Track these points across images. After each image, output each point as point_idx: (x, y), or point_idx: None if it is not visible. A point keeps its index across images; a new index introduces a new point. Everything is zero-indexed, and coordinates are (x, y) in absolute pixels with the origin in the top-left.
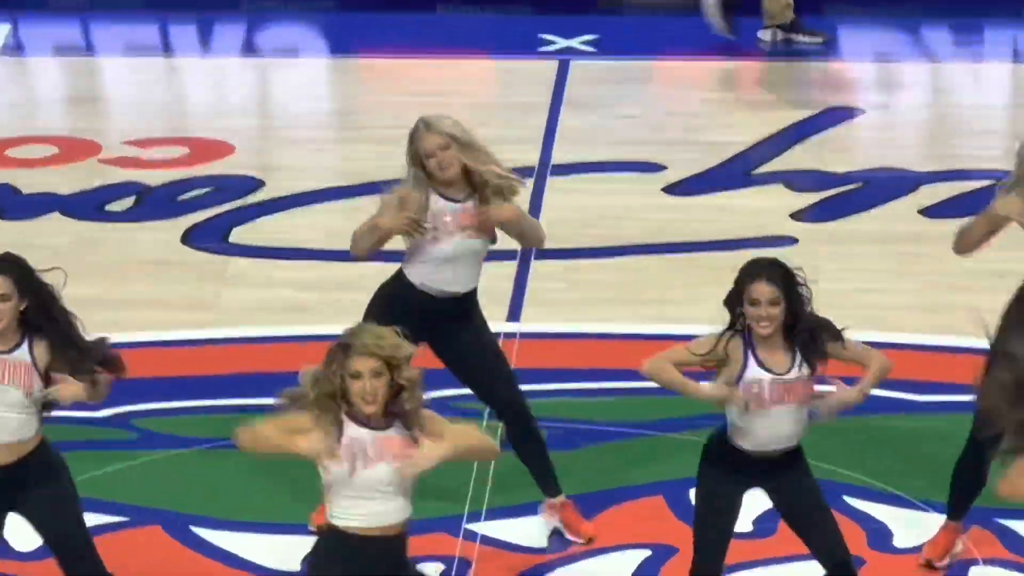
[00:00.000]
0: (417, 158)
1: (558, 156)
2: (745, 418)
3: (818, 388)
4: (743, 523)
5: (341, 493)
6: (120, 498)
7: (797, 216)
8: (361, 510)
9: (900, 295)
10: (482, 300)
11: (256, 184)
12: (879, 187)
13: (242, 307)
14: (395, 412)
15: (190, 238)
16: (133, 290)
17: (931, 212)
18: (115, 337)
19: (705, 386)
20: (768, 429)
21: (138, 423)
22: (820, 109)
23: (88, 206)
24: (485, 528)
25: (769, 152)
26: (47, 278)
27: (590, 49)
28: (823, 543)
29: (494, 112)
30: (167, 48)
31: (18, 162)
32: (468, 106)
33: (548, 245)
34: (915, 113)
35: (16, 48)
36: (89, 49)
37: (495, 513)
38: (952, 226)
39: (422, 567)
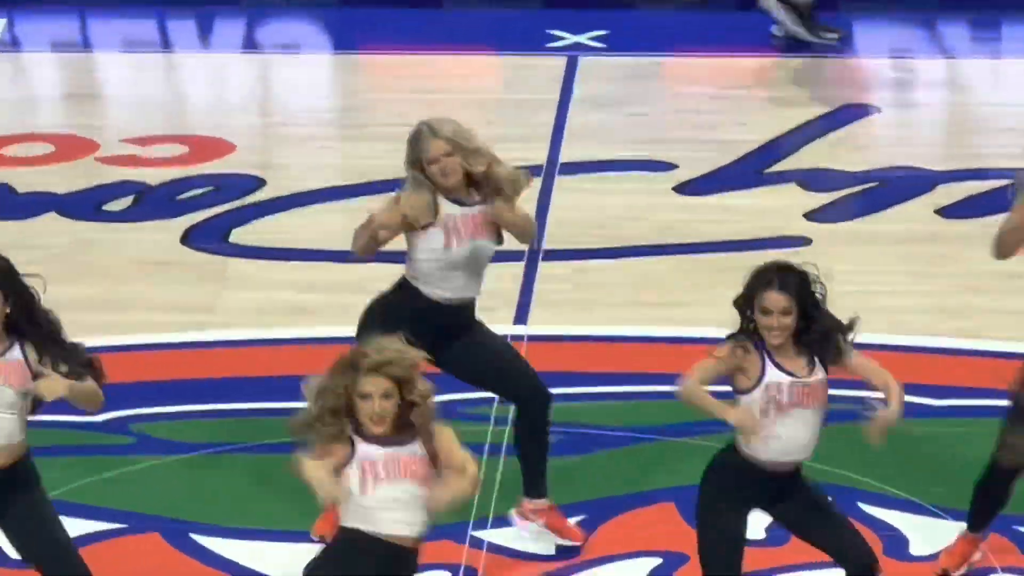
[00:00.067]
0: (418, 163)
1: (566, 155)
2: (764, 423)
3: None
4: (755, 530)
5: (354, 505)
6: (118, 504)
7: (811, 216)
8: (372, 522)
9: (916, 297)
10: (488, 302)
11: (257, 183)
12: (895, 186)
13: (242, 309)
14: (406, 425)
15: (189, 238)
16: (131, 291)
17: (948, 212)
18: (112, 340)
19: (729, 410)
20: (787, 436)
21: (136, 427)
22: (835, 106)
23: (85, 206)
24: (491, 536)
25: (782, 150)
26: (30, 282)
27: (599, 45)
28: (847, 546)
29: (500, 109)
30: (166, 44)
31: (14, 161)
32: (474, 103)
33: (556, 245)
34: (932, 111)
35: (12, 43)
36: (87, 45)
37: (502, 520)
38: (970, 226)
39: None
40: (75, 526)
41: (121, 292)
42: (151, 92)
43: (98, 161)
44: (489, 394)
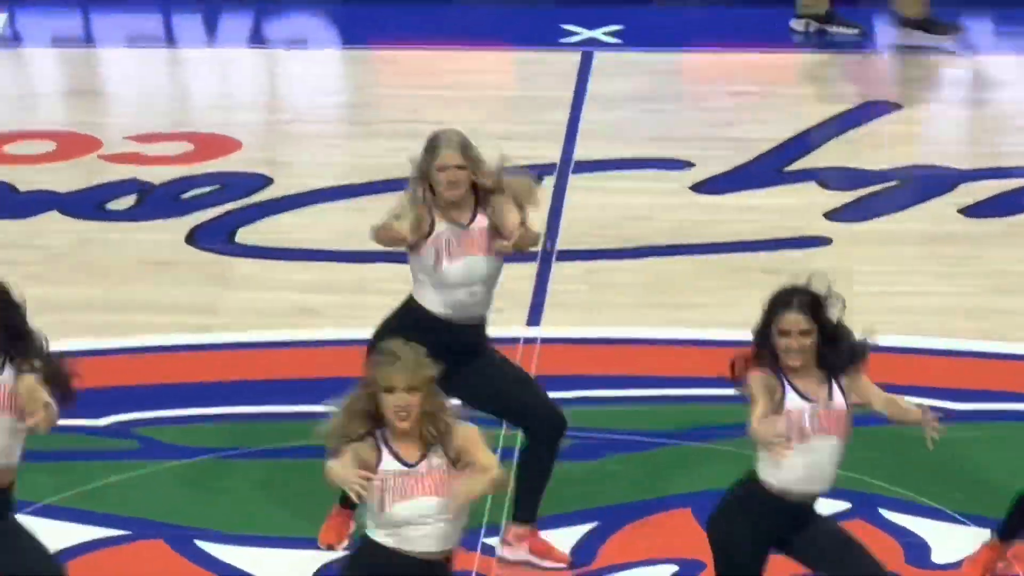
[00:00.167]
0: (427, 168)
1: (580, 153)
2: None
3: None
4: None
5: (375, 519)
6: (121, 511)
7: (831, 215)
8: (393, 537)
9: (938, 298)
10: (500, 303)
11: (263, 181)
12: (917, 185)
13: (247, 310)
14: (427, 437)
15: (194, 238)
16: (134, 292)
17: (971, 211)
18: (115, 341)
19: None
20: (809, 466)
21: (140, 432)
22: (855, 103)
23: (87, 205)
24: (503, 549)
25: (802, 148)
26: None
27: (614, 41)
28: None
29: (513, 106)
30: (171, 39)
31: (14, 159)
32: (486, 100)
33: (570, 246)
34: (954, 108)
35: (12, 38)
36: (89, 40)
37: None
38: (993, 226)
39: None
40: (77, 533)
41: (124, 293)
42: (155, 88)
43: (100, 159)
44: None
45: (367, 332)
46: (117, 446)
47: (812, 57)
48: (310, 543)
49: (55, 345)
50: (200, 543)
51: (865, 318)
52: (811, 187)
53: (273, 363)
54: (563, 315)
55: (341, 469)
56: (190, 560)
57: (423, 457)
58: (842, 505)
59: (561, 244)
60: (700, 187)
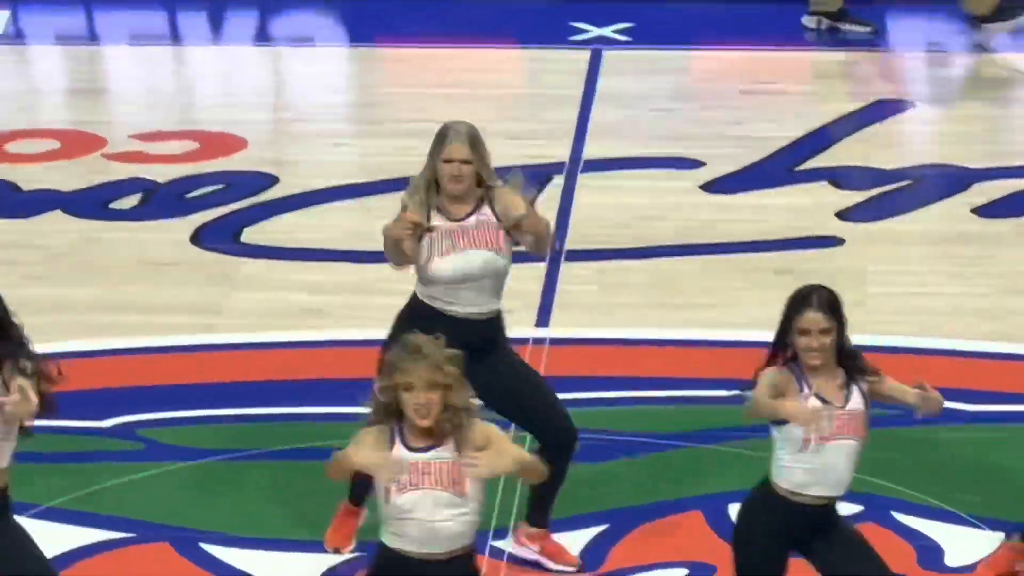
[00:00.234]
0: (434, 159)
1: (590, 151)
2: (800, 454)
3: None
4: None
5: (385, 513)
6: (126, 513)
7: (843, 215)
8: (400, 533)
9: (951, 299)
10: (509, 303)
11: (269, 181)
12: (930, 184)
13: (253, 311)
14: (444, 431)
15: (199, 238)
16: (138, 292)
17: (985, 211)
18: (119, 342)
19: (787, 404)
20: (823, 468)
21: (144, 433)
22: (868, 102)
23: (91, 204)
24: (512, 547)
25: (814, 147)
26: None
27: (624, 38)
28: None
29: (522, 105)
30: (175, 36)
31: (17, 157)
32: (494, 98)
33: (579, 246)
34: (968, 106)
35: (16, 36)
36: (93, 37)
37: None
38: (1007, 226)
39: None
40: (81, 535)
41: (128, 293)
42: (160, 86)
43: (105, 158)
44: None
45: (373, 333)
46: (121, 448)
47: (824, 55)
48: (316, 546)
49: (59, 346)
50: (205, 546)
51: (878, 319)
52: (823, 186)
53: (279, 364)
54: (572, 316)
55: (365, 456)
56: (195, 563)
57: (432, 447)
58: (854, 508)
59: (570, 244)
60: (711, 186)
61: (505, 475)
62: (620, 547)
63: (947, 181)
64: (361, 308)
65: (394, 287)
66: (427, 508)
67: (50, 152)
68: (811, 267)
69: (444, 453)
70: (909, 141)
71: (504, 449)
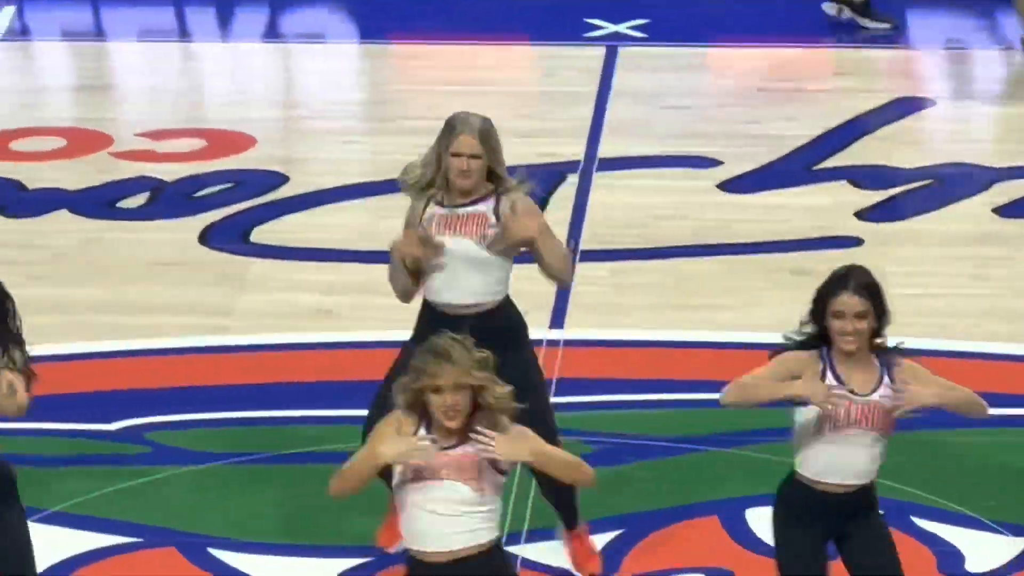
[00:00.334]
0: (442, 151)
1: (605, 150)
2: (816, 440)
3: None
4: None
5: (400, 507)
6: (132, 517)
7: (862, 215)
8: (416, 528)
9: (973, 301)
10: (522, 304)
11: (279, 179)
12: (951, 184)
13: (263, 312)
14: (473, 429)
15: (207, 238)
16: (146, 293)
17: (1006, 211)
18: (126, 344)
19: (795, 383)
20: (839, 456)
21: (151, 436)
22: (888, 100)
23: (98, 203)
24: (526, 551)
25: (832, 146)
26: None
27: (640, 35)
28: None
29: (536, 102)
30: (184, 32)
31: (23, 155)
32: (508, 96)
33: (594, 246)
34: (989, 104)
35: (21, 31)
36: (99, 33)
37: (537, 535)
38: None
39: None
40: (87, 540)
41: (135, 294)
42: (167, 83)
43: (111, 156)
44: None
45: (385, 334)
46: (128, 451)
47: (843, 52)
48: (326, 550)
49: (64, 348)
50: (213, 551)
51: (897, 320)
52: (842, 186)
53: (288, 366)
54: (587, 317)
55: (391, 446)
56: (203, 569)
57: (459, 444)
58: None
59: (584, 244)
60: (727, 185)
61: (526, 464)
62: (635, 553)
63: (968, 180)
64: (373, 309)
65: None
66: (444, 501)
67: (56, 150)
68: (829, 268)
69: (469, 449)
70: (930, 140)
71: (528, 439)
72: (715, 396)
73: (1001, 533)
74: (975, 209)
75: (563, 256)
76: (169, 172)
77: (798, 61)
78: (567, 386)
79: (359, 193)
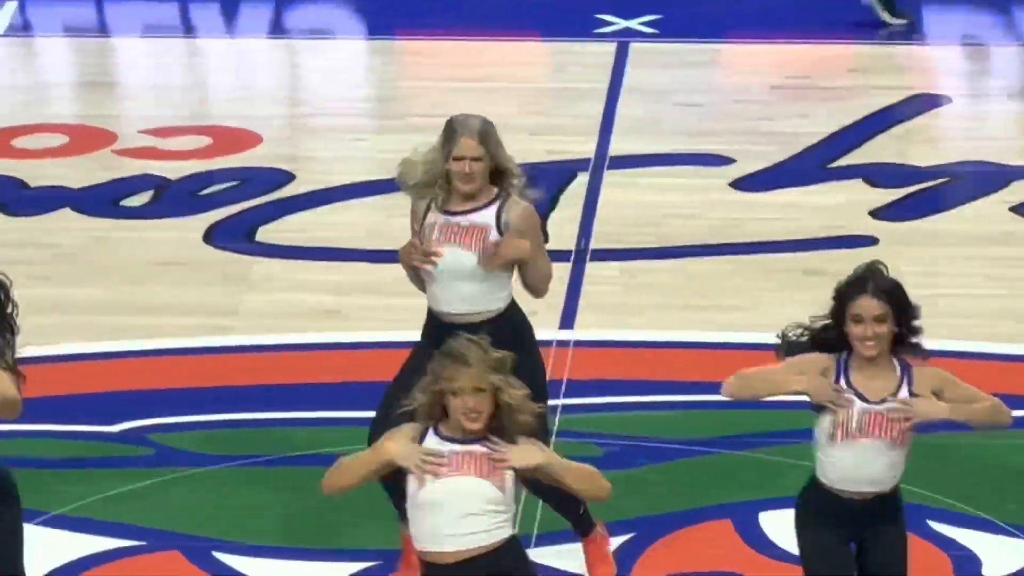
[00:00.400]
0: (444, 156)
1: (616, 147)
2: (830, 448)
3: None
4: None
5: (411, 508)
6: (136, 521)
7: (877, 214)
8: (430, 527)
9: (990, 301)
10: (532, 305)
11: (285, 177)
12: (968, 182)
13: (269, 312)
14: (493, 429)
15: (212, 237)
16: (150, 293)
17: None
18: (130, 345)
19: (800, 378)
20: (853, 464)
21: (155, 438)
22: (903, 97)
23: (101, 201)
24: (536, 555)
25: (846, 144)
26: None
27: (651, 30)
28: None
29: (546, 99)
30: (188, 28)
31: (25, 153)
32: (518, 92)
33: (604, 245)
34: (1007, 102)
35: (23, 27)
36: (103, 29)
37: (546, 539)
38: None
39: None
40: (90, 543)
41: (139, 294)
42: (172, 80)
43: (115, 153)
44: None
45: (393, 335)
46: (131, 453)
47: (858, 48)
48: (333, 554)
49: (66, 348)
50: (218, 554)
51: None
52: (856, 184)
53: (295, 367)
54: (597, 317)
55: (402, 446)
56: (207, 572)
57: (476, 442)
58: None
59: (595, 243)
60: (740, 184)
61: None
62: (646, 557)
63: (985, 179)
64: (380, 309)
65: (415, 288)
66: (461, 499)
67: (58, 147)
68: (844, 268)
69: (478, 448)
70: (946, 137)
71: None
72: (727, 398)
73: (1018, 537)
74: (992, 208)
75: (546, 277)
76: (173, 170)
77: (812, 57)
78: (577, 387)
79: (366, 191)
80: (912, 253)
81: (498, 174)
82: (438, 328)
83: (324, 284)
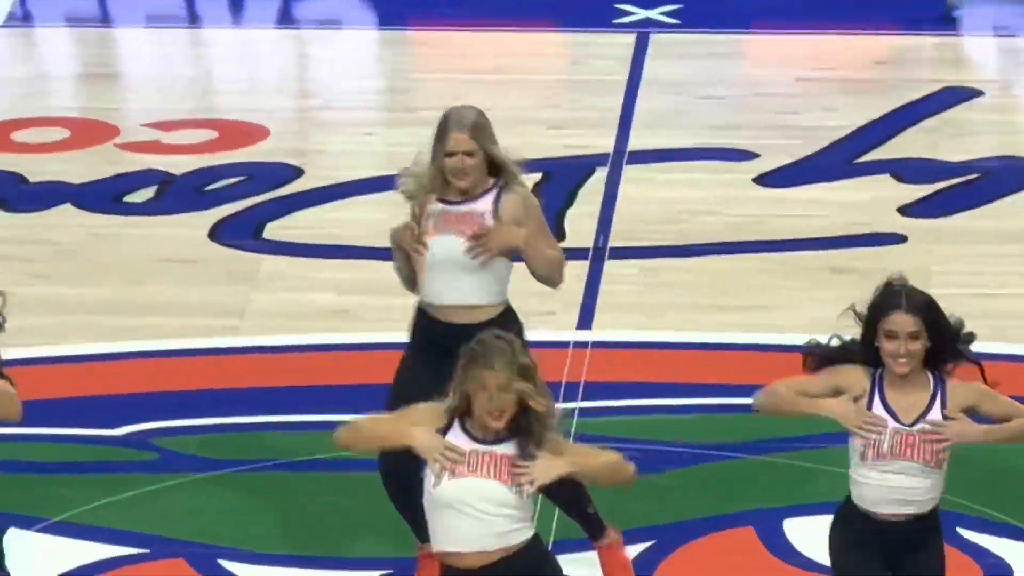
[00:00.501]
0: (438, 154)
1: (635, 142)
2: (863, 467)
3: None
4: None
5: (428, 505)
6: (139, 527)
7: (906, 211)
8: (444, 527)
9: (1022, 300)
10: (548, 304)
11: (293, 172)
12: (1000, 178)
13: (276, 312)
14: (515, 430)
15: (218, 234)
16: (153, 292)
17: None
18: (132, 345)
19: (829, 401)
20: (887, 487)
21: (159, 442)
22: (933, 90)
23: (103, 197)
24: None
25: (874, 138)
26: None
27: (672, 21)
28: None
29: (563, 92)
30: (193, 17)
31: (25, 147)
32: (534, 85)
33: (624, 243)
34: None
35: (23, 17)
36: (105, 19)
37: (564, 546)
38: None
39: None
40: (92, 550)
41: (141, 293)
42: (176, 71)
43: (117, 147)
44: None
45: (404, 336)
46: (135, 458)
47: (886, 39)
48: (339, 562)
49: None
50: (223, 562)
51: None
52: (885, 180)
53: (304, 369)
54: (616, 317)
55: (427, 437)
56: None
57: (500, 441)
58: None
59: (613, 241)
60: (764, 179)
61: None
62: (666, 565)
63: (1018, 174)
64: (391, 309)
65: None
66: (475, 498)
67: (59, 141)
68: (872, 266)
69: (505, 448)
70: (977, 131)
71: (564, 452)
72: (750, 401)
73: None
74: None
75: (552, 262)
76: (178, 165)
77: (839, 48)
78: (595, 390)
79: (377, 187)
80: (942, 251)
81: (496, 165)
82: (428, 326)
83: (334, 283)
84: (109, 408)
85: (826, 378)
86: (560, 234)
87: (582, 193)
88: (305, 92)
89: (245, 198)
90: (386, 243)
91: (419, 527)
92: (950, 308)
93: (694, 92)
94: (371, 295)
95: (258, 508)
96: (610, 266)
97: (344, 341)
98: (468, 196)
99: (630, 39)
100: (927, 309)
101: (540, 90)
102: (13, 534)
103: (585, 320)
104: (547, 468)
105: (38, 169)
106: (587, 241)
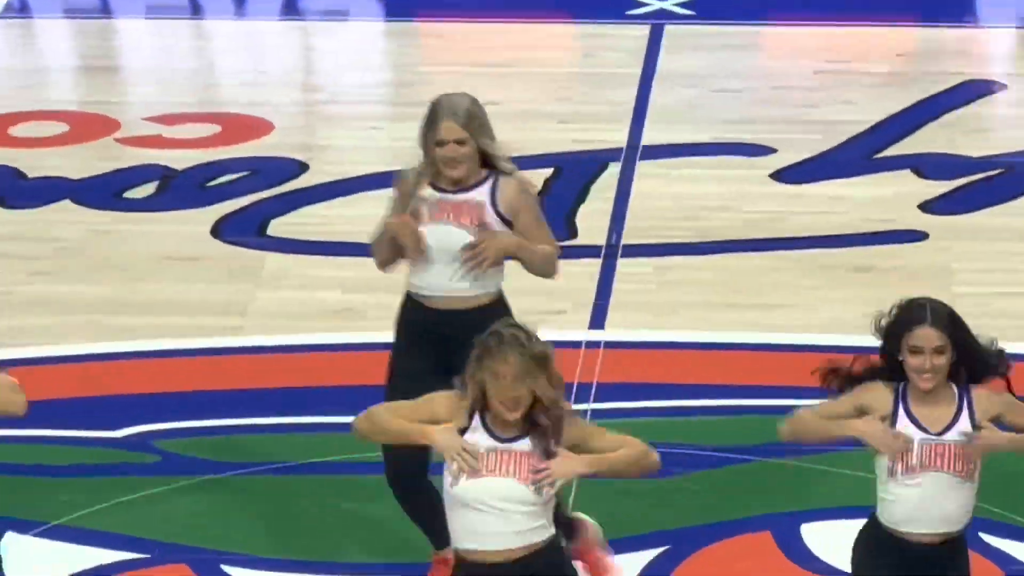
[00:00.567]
0: (429, 144)
1: (649, 136)
2: (892, 484)
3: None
4: None
5: (447, 502)
6: (140, 532)
7: (927, 207)
8: (465, 525)
9: None
10: (560, 303)
11: (297, 168)
12: (1022, 173)
13: (280, 311)
14: (532, 424)
15: (221, 231)
16: (154, 290)
17: None
18: (133, 345)
19: (857, 423)
20: (918, 501)
21: (160, 445)
22: (954, 83)
23: (103, 192)
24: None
25: (894, 133)
26: None
27: (687, 12)
28: None
29: (575, 85)
30: (195, 9)
31: (23, 141)
32: (545, 78)
33: (637, 240)
34: None
35: (21, 8)
36: (105, 10)
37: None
38: None
39: None
40: (91, 556)
41: (143, 291)
42: (178, 64)
43: (118, 142)
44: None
45: None
46: (136, 460)
47: (906, 31)
48: (345, 567)
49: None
50: (227, 567)
51: (965, 322)
52: (905, 175)
53: (309, 369)
54: (629, 317)
55: (447, 437)
56: None
57: (518, 438)
58: None
59: (627, 238)
60: (781, 175)
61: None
62: (681, 570)
63: None
64: (397, 307)
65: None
66: (494, 498)
67: (58, 136)
68: (892, 264)
69: (525, 446)
70: (999, 126)
71: (587, 439)
72: (767, 402)
73: None
74: None
75: (547, 258)
76: (179, 159)
77: (857, 41)
78: (607, 391)
79: (383, 183)
80: (963, 248)
81: (485, 158)
82: (419, 315)
83: (339, 281)
84: (109, 409)
85: (850, 399)
86: (572, 231)
87: (594, 189)
88: (310, 85)
89: (248, 194)
90: None
91: (433, 534)
92: (971, 306)
93: (709, 85)
94: (377, 293)
95: (263, 512)
96: (623, 264)
97: (350, 340)
98: (462, 186)
99: (644, 31)
100: (951, 323)
101: (551, 83)
102: (11, 538)
103: (598, 319)
104: (567, 466)
105: (36, 164)
106: (600, 238)
